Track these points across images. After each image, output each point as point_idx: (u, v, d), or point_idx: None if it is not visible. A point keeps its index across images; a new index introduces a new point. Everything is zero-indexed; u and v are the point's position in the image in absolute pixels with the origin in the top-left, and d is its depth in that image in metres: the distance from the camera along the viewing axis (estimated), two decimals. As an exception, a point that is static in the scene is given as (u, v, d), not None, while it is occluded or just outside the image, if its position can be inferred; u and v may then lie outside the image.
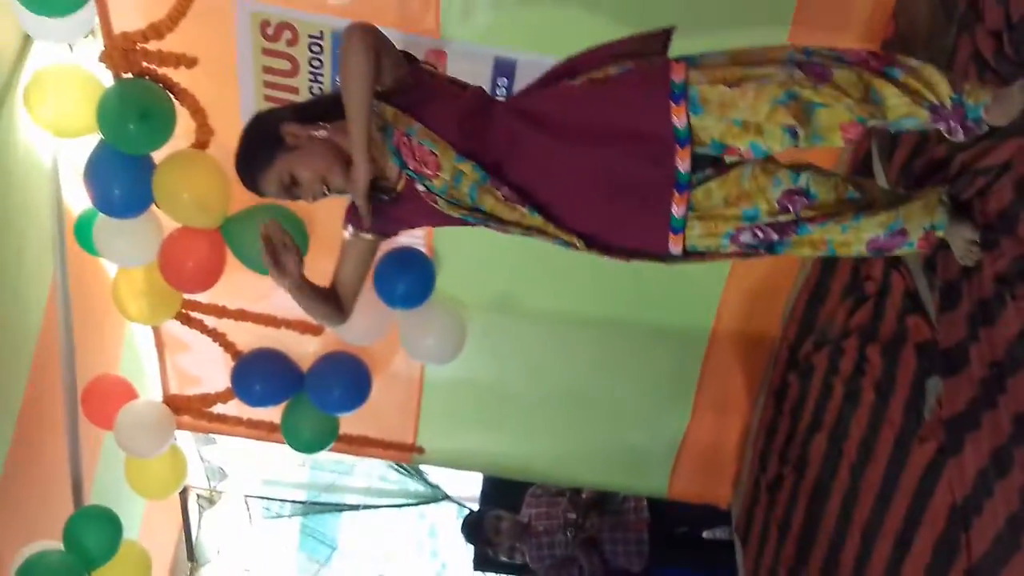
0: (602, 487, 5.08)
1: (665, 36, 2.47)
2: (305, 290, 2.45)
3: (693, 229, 2.40)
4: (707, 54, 2.37)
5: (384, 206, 2.47)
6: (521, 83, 3.51)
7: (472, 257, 4.17)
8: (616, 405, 4.67)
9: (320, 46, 3.53)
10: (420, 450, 4.81)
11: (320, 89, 3.65)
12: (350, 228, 2.55)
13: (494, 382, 4.64)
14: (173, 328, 4.46)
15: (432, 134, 2.31)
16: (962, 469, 2.69)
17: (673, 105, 2.25)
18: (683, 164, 2.28)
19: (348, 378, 4.32)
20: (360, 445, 4.76)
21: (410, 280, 3.98)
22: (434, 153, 2.32)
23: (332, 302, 2.59)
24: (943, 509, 2.79)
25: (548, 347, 4.51)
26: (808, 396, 3.86)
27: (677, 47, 2.47)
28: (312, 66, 3.58)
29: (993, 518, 2.49)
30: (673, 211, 2.33)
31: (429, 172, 2.35)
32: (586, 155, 2.33)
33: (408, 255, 3.96)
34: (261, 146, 2.36)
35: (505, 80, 3.54)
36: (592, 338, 4.44)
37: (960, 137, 2.38)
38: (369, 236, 2.55)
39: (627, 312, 4.33)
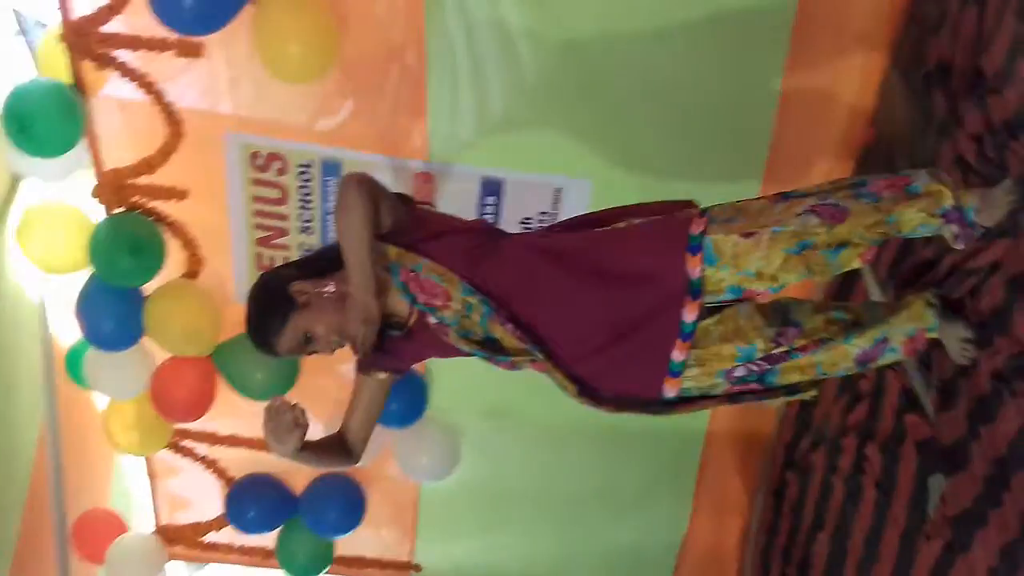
0: (603, 596, 5.01)
1: (688, 204, 2.51)
2: (304, 456, 2.42)
3: (690, 372, 2.41)
4: (724, 206, 2.44)
5: (396, 341, 2.48)
6: (509, 202, 3.57)
7: (463, 370, 4.13)
8: (614, 509, 4.65)
9: (309, 174, 3.58)
10: (417, 568, 4.75)
11: (308, 213, 3.68)
12: (363, 369, 2.55)
13: (491, 492, 4.61)
14: (164, 457, 4.41)
15: (439, 267, 2.34)
16: (972, 567, 2.68)
17: (689, 256, 2.29)
18: (690, 316, 2.31)
19: (343, 500, 4.29)
20: (357, 567, 4.69)
21: (403, 399, 3.97)
22: (442, 285, 2.35)
23: (335, 452, 2.58)
24: (954, 607, 2.78)
25: (544, 455, 4.50)
26: (808, 495, 3.86)
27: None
28: (301, 193, 3.63)
29: (1008, 616, 2.49)
30: (673, 356, 2.35)
31: (439, 303, 2.37)
32: (596, 295, 2.35)
33: (401, 374, 3.96)
34: (273, 309, 2.35)
35: (493, 199, 3.59)
36: (588, 443, 4.43)
37: (962, 244, 2.42)
38: (382, 375, 2.55)
39: (621, 419, 4.30)
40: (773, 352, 2.43)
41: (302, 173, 3.58)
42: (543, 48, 3.34)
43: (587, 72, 3.40)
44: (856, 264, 2.34)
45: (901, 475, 3.17)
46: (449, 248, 2.37)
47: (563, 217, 3.63)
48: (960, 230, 2.37)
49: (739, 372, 2.44)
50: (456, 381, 4.17)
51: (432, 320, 2.40)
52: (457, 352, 2.49)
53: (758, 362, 2.43)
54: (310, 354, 2.42)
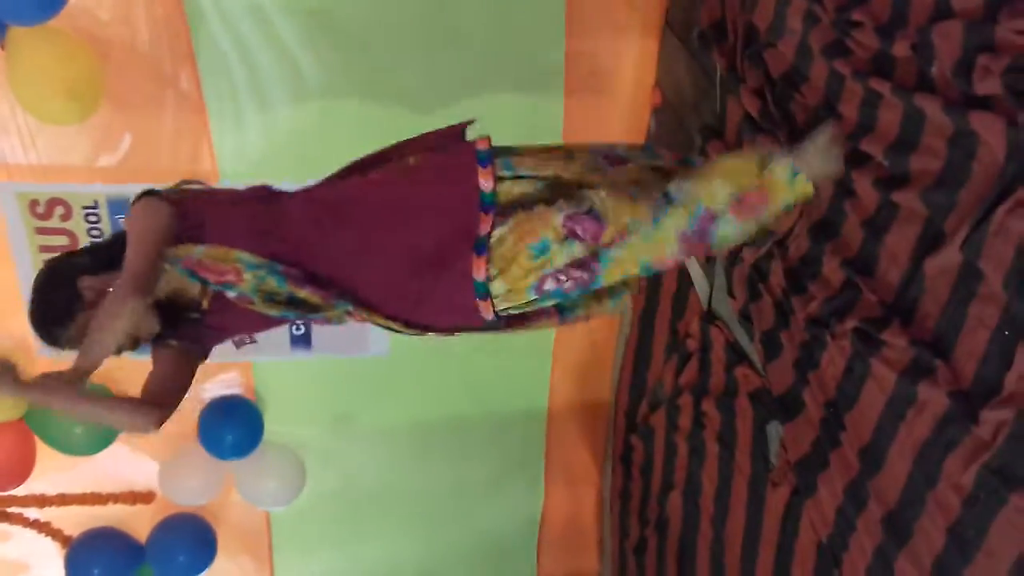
0: (472, 587, 5.01)
1: (462, 127, 2.45)
2: (39, 391, 2.16)
3: (498, 289, 2.27)
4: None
5: (195, 323, 2.32)
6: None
7: (295, 389, 4.08)
8: (469, 500, 4.64)
9: (96, 215, 3.42)
10: (279, 599, 4.63)
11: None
12: (159, 342, 2.31)
13: (342, 504, 4.53)
14: (-8, 532, 4.18)
15: (217, 250, 2.20)
16: (821, 508, 2.75)
17: (480, 168, 2.24)
18: (483, 229, 2.23)
19: (191, 540, 4.13)
20: (217, 605, 4.54)
21: (237, 428, 3.86)
22: (227, 265, 2.20)
23: (123, 404, 2.27)
24: (811, 549, 2.85)
25: (390, 457, 4.45)
26: (654, 457, 3.92)
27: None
28: (92, 236, 3.46)
29: (861, 551, 2.56)
30: (474, 275, 2.24)
31: (232, 279, 2.21)
32: (389, 235, 2.27)
33: (230, 403, 3.85)
34: (58, 304, 2.20)
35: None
36: (433, 440, 4.40)
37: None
38: (173, 343, 2.32)
39: (461, 408, 4.32)
40: (577, 256, 2.24)
41: (88, 215, 3.41)
42: (320, 50, 3.27)
43: (368, 71, 3.35)
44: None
45: (739, 427, 3.24)
46: (223, 228, 2.24)
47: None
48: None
49: (548, 284, 2.27)
50: (289, 400, 4.08)
51: (231, 294, 2.23)
52: (267, 322, 2.36)
53: (564, 270, 2.25)
54: None
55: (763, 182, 2.24)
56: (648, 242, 2.25)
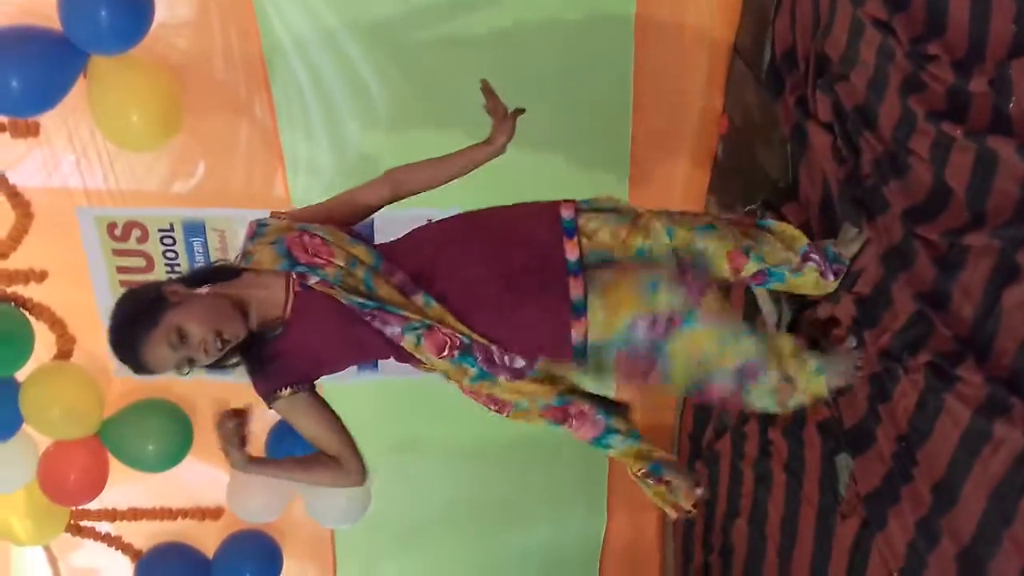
0: (533, 607, 5.01)
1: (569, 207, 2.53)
2: (264, 468, 2.39)
3: (596, 315, 2.31)
4: None
5: (277, 346, 2.30)
6: (379, 239, 3.51)
7: (360, 409, 4.08)
8: (532, 520, 4.65)
9: (172, 238, 3.49)
10: (343, 612, 4.67)
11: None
12: (267, 400, 2.36)
13: (405, 522, 4.56)
14: (65, 541, 4.26)
15: (325, 226, 2.32)
16: (891, 543, 2.72)
17: (563, 203, 2.45)
18: (572, 254, 2.34)
19: (256, 556, 4.20)
20: (282, 621, 4.59)
21: (304, 447, 3.87)
22: (327, 241, 2.26)
23: (319, 465, 2.49)
24: (881, 582, 2.83)
25: (454, 479, 4.47)
26: (719, 482, 3.89)
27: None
28: (167, 258, 3.53)
29: (933, 589, 2.54)
30: (572, 295, 2.30)
31: (322, 260, 2.24)
32: (483, 247, 2.35)
33: (298, 423, 3.87)
34: (141, 310, 2.16)
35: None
36: (496, 461, 4.41)
37: (831, 277, 2.58)
38: (286, 392, 2.33)
39: (524, 428, 4.30)
40: (675, 308, 2.33)
41: (164, 238, 3.48)
42: (391, 80, 3.31)
43: (438, 98, 3.37)
44: (723, 267, 2.44)
45: (807, 457, 3.21)
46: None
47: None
48: (823, 264, 2.57)
49: (640, 328, 2.33)
50: (355, 420, 4.09)
51: (314, 279, 2.23)
52: (347, 343, 2.34)
53: (659, 317, 2.31)
54: (187, 364, 2.17)
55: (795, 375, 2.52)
56: (721, 346, 2.38)
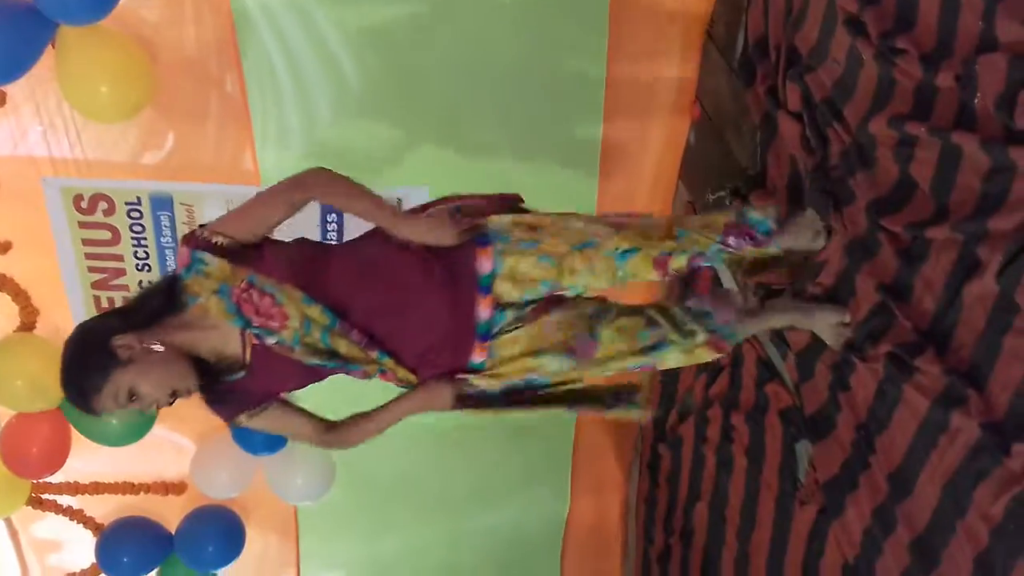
0: (495, 588, 5.05)
1: (513, 200, 2.51)
2: None
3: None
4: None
5: (240, 384, 2.29)
6: (351, 217, 3.49)
7: (326, 389, 4.10)
8: (495, 503, 4.67)
9: (139, 211, 3.46)
10: (306, 588, 4.68)
11: (143, 251, 3.55)
12: (233, 422, 2.39)
13: (371, 504, 4.57)
14: (25, 514, 4.23)
15: (272, 279, 2.17)
16: (848, 529, 2.76)
17: (479, 248, 2.31)
18: (484, 312, 2.33)
19: (219, 532, 4.18)
20: (243, 595, 4.59)
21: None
22: (279, 303, 2.18)
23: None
24: (836, 569, 2.86)
25: (420, 460, 4.47)
26: (682, 466, 3.93)
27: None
28: (134, 231, 3.50)
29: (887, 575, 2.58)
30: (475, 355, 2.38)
31: (276, 324, 2.19)
32: (420, 298, 2.30)
33: (263, 401, 3.86)
34: (91, 365, 2.09)
35: (334, 216, 3.52)
36: (462, 442, 4.42)
37: (746, 245, 2.55)
38: (246, 417, 2.36)
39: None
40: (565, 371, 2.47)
41: (131, 211, 3.46)
42: (363, 58, 3.29)
43: (411, 77, 3.36)
44: (651, 274, 2.44)
45: (768, 443, 3.25)
46: (279, 260, 2.21)
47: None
48: (740, 240, 2.54)
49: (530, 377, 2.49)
50: (320, 399, 4.09)
51: (271, 341, 2.21)
52: (309, 375, 2.36)
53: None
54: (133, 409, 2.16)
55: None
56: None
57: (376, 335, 2.29)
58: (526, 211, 2.47)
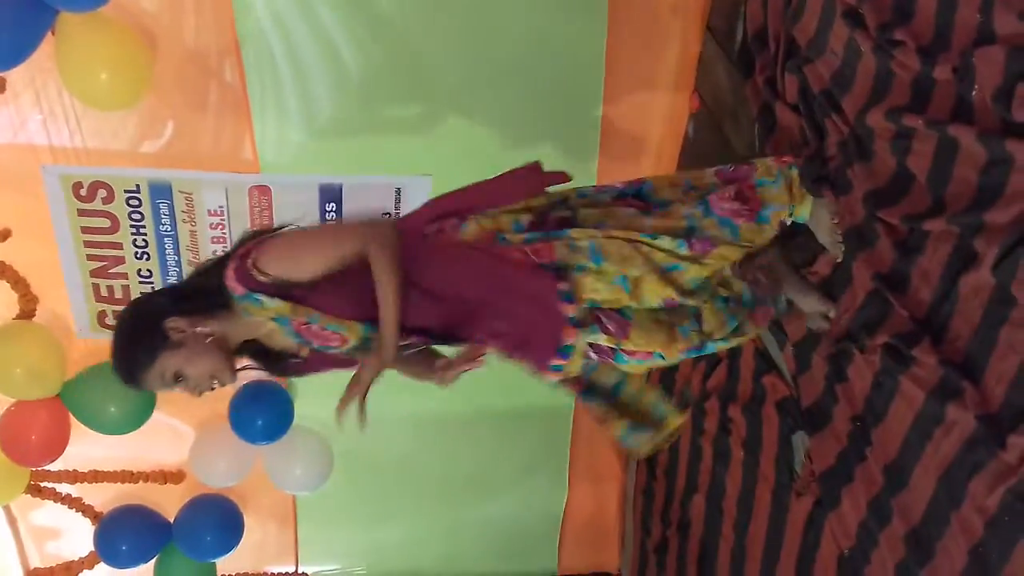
0: (492, 576, 5.06)
1: (539, 173, 2.46)
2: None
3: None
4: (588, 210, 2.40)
5: (293, 366, 2.40)
6: (350, 206, 3.51)
7: (326, 375, 4.11)
8: (494, 492, 4.68)
9: (138, 199, 3.46)
10: (304, 576, 4.70)
11: (142, 239, 3.56)
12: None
13: (370, 493, 4.58)
14: (24, 502, 4.24)
15: (334, 319, 2.17)
16: (843, 521, 2.77)
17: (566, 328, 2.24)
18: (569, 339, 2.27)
19: (218, 521, 4.18)
20: (242, 583, 4.61)
21: (268, 413, 3.89)
22: (339, 332, 2.19)
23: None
24: (831, 561, 2.87)
25: (418, 449, 4.49)
26: (679, 458, 3.94)
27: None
28: (133, 219, 3.51)
29: (882, 567, 2.58)
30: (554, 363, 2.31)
31: (335, 344, 2.23)
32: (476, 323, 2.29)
33: (262, 388, 3.87)
34: (141, 342, 2.15)
35: (333, 205, 3.52)
36: (461, 432, 4.44)
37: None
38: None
39: (491, 401, 4.33)
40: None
41: (130, 199, 3.46)
42: (364, 46, 3.29)
43: (412, 65, 3.37)
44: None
45: (765, 435, 3.26)
46: (340, 298, 2.18)
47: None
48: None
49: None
50: (321, 387, 4.10)
51: (330, 352, 2.28)
52: (352, 363, 2.35)
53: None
54: (177, 390, 2.23)
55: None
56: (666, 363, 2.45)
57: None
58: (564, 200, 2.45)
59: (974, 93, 2.11)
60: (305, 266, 2.12)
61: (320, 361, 2.39)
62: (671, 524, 4.06)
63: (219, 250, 3.60)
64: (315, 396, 4.10)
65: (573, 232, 2.30)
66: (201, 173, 3.44)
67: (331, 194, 3.51)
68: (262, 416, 3.89)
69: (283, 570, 4.69)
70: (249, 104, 3.33)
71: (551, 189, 2.45)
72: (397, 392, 4.17)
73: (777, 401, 3.14)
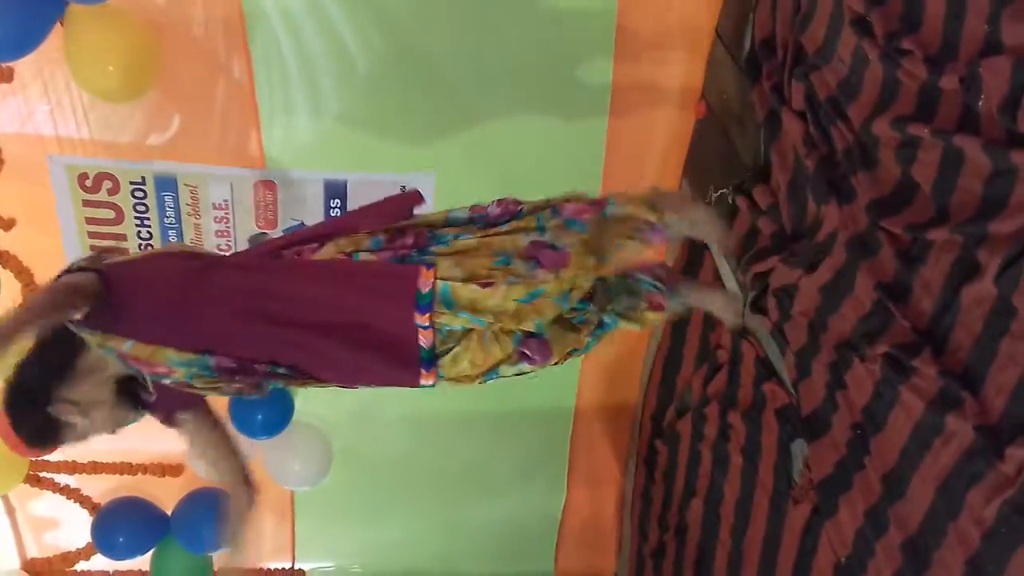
0: (488, 577, 5.06)
1: (414, 200, 2.41)
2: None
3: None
4: (448, 230, 2.32)
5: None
6: (354, 203, 3.51)
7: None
8: (492, 493, 4.67)
9: (143, 191, 3.46)
10: (300, 573, 4.69)
11: (146, 231, 3.56)
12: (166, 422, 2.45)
13: (368, 491, 4.57)
14: (23, 492, 4.24)
15: (144, 347, 2.15)
16: (840, 529, 2.77)
17: (418, 315, 2.14)
18: (426, 342, 2.17)
19: (215, 515, 4.17)
20: (238, 578, 4.60)
21: (267, 408, 3.89)
22: (159, 362, 2.17)
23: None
24: (828, 568, 2.87)
25: (417, 448, 4.49)
26: (678, 463, 3.94)
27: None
28: (137, 211, 3.51)
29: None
30: (423, 382, 2.25)
31: (164, 371, 2.19)
32: (331, 348, 2.20)
33: (263, 383, 3.87)
34: (41, 434, 2.26)
35: (338, 201, 3.53)
36: (459, 432, 4.43)
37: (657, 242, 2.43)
38: (186, 416, 2.43)
39: (489, 403, 4.34)
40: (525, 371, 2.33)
41: (135, 191, 3.46)
42: (371, 44, 3.29)
43: (417, 63, 3.36)
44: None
45: (764, 442, 3.26)
46: (149, 319, 2.16)
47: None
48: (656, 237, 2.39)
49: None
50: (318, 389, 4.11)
51: (167, 383, 2.23)
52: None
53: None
54: None
55: None
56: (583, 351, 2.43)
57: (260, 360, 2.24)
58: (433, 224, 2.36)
59: (980, 103, 2.11)
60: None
61: (168, 397, 2.32)
62: (669, 529, 4.06)
63: (223, 244, 3.60)
64: (315, 392, 4.12)
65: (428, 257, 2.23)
66: (207, 167, 3.44)
67: (336, 190, 3.51)
68: (262, 411, 3.88)
69: (280, 566, 4.67)
70: (256, 99, 3.33)
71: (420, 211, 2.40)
72: (396, 392, 4.20)
73: (777, 408, 3.14)
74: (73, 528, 4.35)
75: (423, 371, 2.20)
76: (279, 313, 2.17)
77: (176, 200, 3.49)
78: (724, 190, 3.26)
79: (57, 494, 4.19)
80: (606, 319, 2.43)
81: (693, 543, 3.84)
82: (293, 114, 3.38)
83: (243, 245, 3.60)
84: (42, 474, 4.14)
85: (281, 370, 2.22)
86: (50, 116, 3.31)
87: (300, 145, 3.46)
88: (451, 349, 2.21)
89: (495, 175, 3.52)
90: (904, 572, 2.46)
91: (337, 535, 4.71)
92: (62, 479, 4.19)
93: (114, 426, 2.28)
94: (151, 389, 2.28)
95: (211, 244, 3.59)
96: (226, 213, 3.53)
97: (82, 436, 2.26)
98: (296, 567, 4.68)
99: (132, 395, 2.27)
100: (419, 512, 4.66)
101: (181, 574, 4.26)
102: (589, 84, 3.47)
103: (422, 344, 2.16)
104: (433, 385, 2.28)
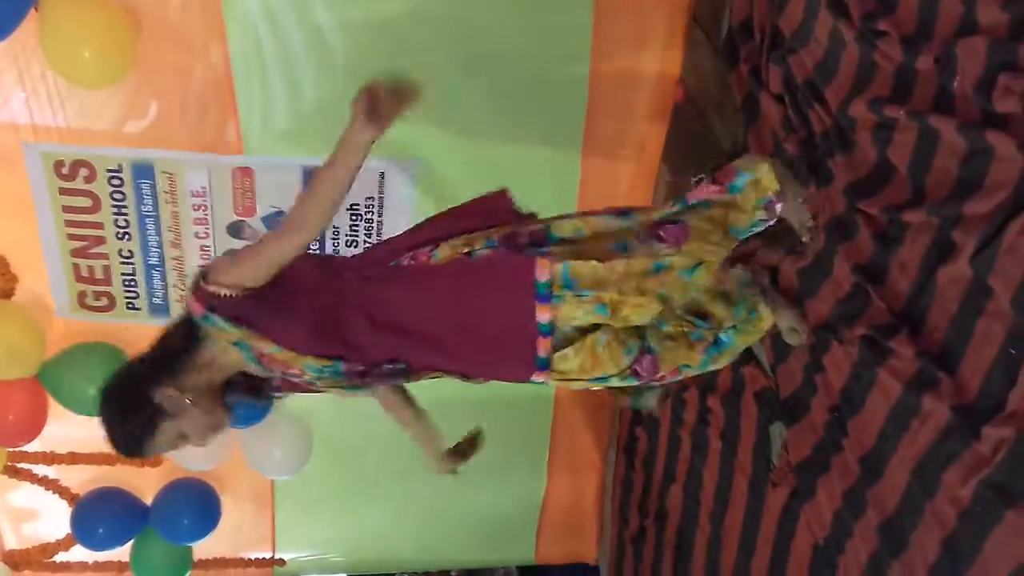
0: (470, 564, 5.07)
1: (507, 199, 2.45)
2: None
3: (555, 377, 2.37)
4: (563, 220, 2.36)
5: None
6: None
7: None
8: (472, 480, 4.61)
9: (120, 179, 3.44)
10: (281, 562, 4.69)
11: (124, 219, 3.54)
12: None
13: (348, 479, 4.57)
14: (1, 481, 4.22)
15: (287, 352, 2.16)
16: (819, 511, 2.78)
17: (538, 305, 2.22)
18: (543, 351, 2.27)
19: (195, 505, 4.18)
20: (218, 568, 4.60)
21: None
22: (296, 364, 2.19)
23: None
24: (806, 550, 2.88)
25: (397, 436, 4.43)
26: (658, 449, 3.95)
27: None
28: (114, 199, 3.49)
29: (856, 557, 2.59)
30: (535, 379, 2.37)
31: (296, 372, 2.23)
32: (456, 345, 2.29)
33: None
34: (138, 418, 2.16)
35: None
36: (440, 419, 4.35)
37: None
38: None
39: (471, 389, 4.31)
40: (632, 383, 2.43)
41: (112, 179, 3.44)
42: (350, 29, 3.28)
43: (398, 48, 3.34)
44: (709, 281, 2.42)
45: (743, 425, 3.27)
46: (296, 326, 2.16)
47: (388, 200, 3.62)
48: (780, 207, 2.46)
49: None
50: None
51: (295, 380, 2.28)
52: None
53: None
54: None
55: None
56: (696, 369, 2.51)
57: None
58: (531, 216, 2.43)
59: (955, 84, 2.12)
60: (247, 267, 2.07)
61: (290, 386, 2.38)
62: (649, 514, 4.07)
63: (201, 231, 3.58)
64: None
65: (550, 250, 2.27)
66: (184, 153, 3.43)
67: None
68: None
69: (260, 556, 4.67)
70: (234, 85, 3.31)
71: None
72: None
73: (756, 391, 3.15)
74: (52, 519, 4.34)
75: (537, 370, 2.30)
76: (412, 322, 2.24)
77: (153, 187, 3.47)
78: (702, 175, 3.26)
79: (36, 485, 4.17)
80: (723, 336, 2.51)
81: (673, 528, 3.86)
82: (271, 100, 3.37)
83: (221, 232, 3.59)
84: (20, 465, 4.12)
85: (401, 365, 2.29)
86: (25, 103, 3.28)
87: (278, 131, 3.44)
88: (562, 348, 2.30)
89: (478, 161, 3.52)
90: (881, 553, 2.47)
91: (318, 524, 4.71)
92: (40, 470, 4.18)
93: (209, 430, 2.22)
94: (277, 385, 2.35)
95: (189, 231, 3.57)
96: (204, 200, 3.52)
97: (172, 439, 2.20)
98: (277, 556, 4.68)
99: (254, 390, 2.33)
100: (400, 500, 4.66)
101: (161, 564, 4.26)
102: (568, 68, 3.47)
103: (539, 353, 2.26)
104: (544, 383, 2.42)
